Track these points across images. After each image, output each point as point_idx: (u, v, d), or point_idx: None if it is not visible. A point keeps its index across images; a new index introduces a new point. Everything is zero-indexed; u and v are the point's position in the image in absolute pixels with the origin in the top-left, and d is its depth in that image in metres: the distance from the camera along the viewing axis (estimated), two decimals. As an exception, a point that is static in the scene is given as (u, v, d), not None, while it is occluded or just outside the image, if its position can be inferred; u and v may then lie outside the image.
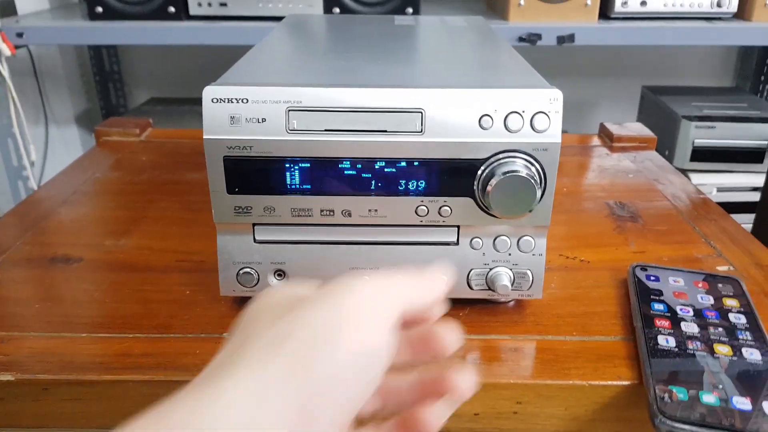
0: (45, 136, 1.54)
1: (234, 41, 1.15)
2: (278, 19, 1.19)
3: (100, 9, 1.16)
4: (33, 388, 0.39)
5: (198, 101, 1.44)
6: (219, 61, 1.58)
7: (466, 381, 0.26)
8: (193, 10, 1.18)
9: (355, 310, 0.23)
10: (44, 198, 0.63)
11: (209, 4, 1.16)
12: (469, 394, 0.26)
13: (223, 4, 1.16)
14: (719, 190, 1.27)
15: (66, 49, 1.58)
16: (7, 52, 1.12)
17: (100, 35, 1.17)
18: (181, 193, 0.64)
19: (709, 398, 0.34)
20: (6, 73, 1.16)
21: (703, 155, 1.26)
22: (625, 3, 1.21)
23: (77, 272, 0.50)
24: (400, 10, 1.16)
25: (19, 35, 1.15)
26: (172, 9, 1.16)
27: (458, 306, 0.44)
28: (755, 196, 1.25)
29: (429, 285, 0.26)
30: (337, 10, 1.16)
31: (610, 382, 0.38)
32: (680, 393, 0.34)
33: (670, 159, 1.31)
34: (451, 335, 0.26)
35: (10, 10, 1.29)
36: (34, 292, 0.47)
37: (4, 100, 1.20)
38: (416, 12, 1.17)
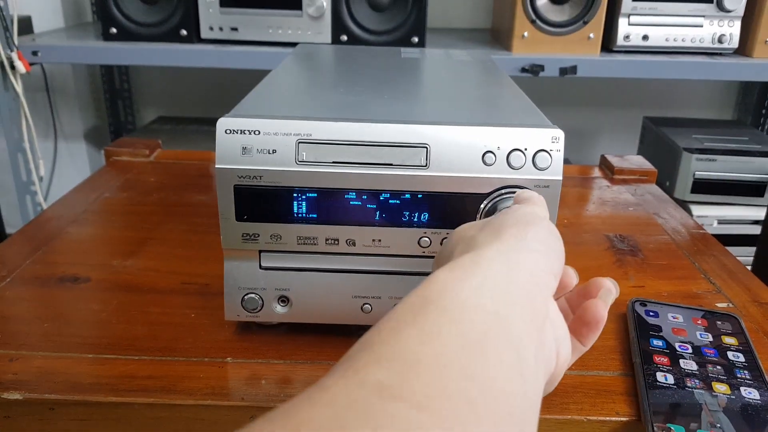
0: (54, 151, 1.56)
1: (244, 65, 1.18)
2: (287, 44, 1.21)
3: (114, 30, 1.18)
4: (40, 408, 0.39)
5: (205, 121, 1.46)
6: (227, 83, 1.61)
7: (608, 281, 0.35)
8: (205, 33, 1.20)
9: (534, 214, 0.33)
10: (54, 217, 0.64)
11: (221, 29, 1.18)
12: (616, 290, 0.35)
13: (234, 29, 1.18)
14: (720, 222, 1.27)
15: (78, 66, 1.61)
16: (22, 69, 1.14)
17: (114, 56, 1.19)
18: (187, 214, 0.65)
19: (706, 437, 0.35)
20: (20, 90, 1.18)
21: (704, 187, 1.27)
22: (628, 37, 1.24)
23: (85, 292, 0.51)
24: (406, 39, 1.19)
25: (35, 53, 1.17)
26: (184, 32, 1.18)
27: (459, 336, 0.45)
28: (756, 230, 1.26)
29: None
30: (344, 37, 1.18)
31: (608, 418, 0.38)
32: (678, 431, 0.35)
33: (670, 190, 1.32)
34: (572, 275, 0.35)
35: (27, 28, 1.32)
36: (43, 311, 0.48)
37: (16, 115, 1.22)
38: (421, 41, 1.20)
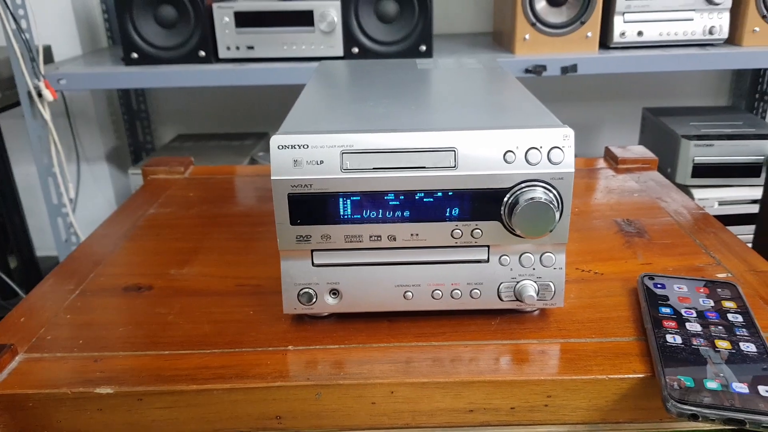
0: (77, 173, 1.63)
1: (261, 82, 1.23)
2: (302, 60, 1.27)
3: (135, 55, 1.24)
4: (129, 399, 0.44)
5: (224, 136, 1.53)
6: (241, 99, 1.68)
7: None
8: (222, 53, 1.26)
9: None
10: (106, 234, 0.70)
11: (237, 48, 1.24)
12: None
13: (251, 48, 1.24)
14: (720, 203, 1.33)
15: (96, 90, 1.68)
16: (50, 97, 1.21)
17: (136, 80, 1.25)
18: (229, 224, 0.71)
19: (712, 384, 0.40)
20: (48, 117, 1.24)
21: (704, 171, 1.33)
22: (623, 34, 1.29)
23: (150, 299, 0.56)
24: (415, 48, 1.24)
25: (60, 81, 1.23)
26: (202, 53, 1.24)
27: (490, 316, 0.51)
28: (755, 208, 1.31)
29: None
30: (356, 50, 1.24)
31: (627, 376, 0.43)
32: (687, 381, 0.40)
33: (672, 176, 1.37)
34: None
35: (48, 58, 1.38)
36: (115, 317, 0.53)
37: (45, 142, 1.28)
38: (429, 49, 1.25)
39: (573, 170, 0.45)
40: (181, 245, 0.66)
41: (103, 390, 0.44)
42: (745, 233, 1.27)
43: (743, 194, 1.33)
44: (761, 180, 1.31)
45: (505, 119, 0.50)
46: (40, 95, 1.23)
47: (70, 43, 1.56)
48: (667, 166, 1.39)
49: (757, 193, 1.31)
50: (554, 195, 0.45)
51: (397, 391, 0.44)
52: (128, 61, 1.25)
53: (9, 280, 1.42)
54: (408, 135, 0.45)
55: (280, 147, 0.45)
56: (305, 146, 0.45)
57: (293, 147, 0.45)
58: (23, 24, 1.21)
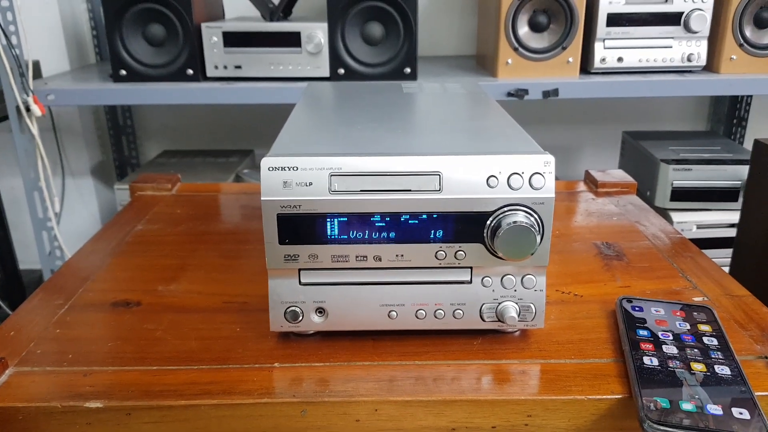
0: (62, 187, 1.62)
1: (248, 100, 1.25)
2: (288, 79, 1.29)
3: (124, 72, 1.25)
4: (118, 414, 0.45)
5: (210, 153, 1.54)
6: (226, 116, 1.69)
7: None
8: (210, 72, 1.28)
9: None
10: (94, 250, 0.71)
11: (225, 67, 1.26)
12: None
13: (238, 67, 1.26)
14: (699, 227, 1.36)
15: (84, 105, 1.68)
16: (38, 112, 1.21)
17: (125, 96, 1.26)
18: (216, 242, 0.72)
19: (687, 406, 0.41)
20: (35, 132, 1.24)
21: (682, 195, 1.36)
22: (604, 59, 1.33)
23: (138, 314, 0.57)
24: (399, 70, 1.27)
25: (48, 96, 1.24)
26: (190, 71, 1.26)
27: (472, 336, 0.52)
28: (732, 232, 1.34)
29: None
30: (342, 71, 1.26)
31: (605, 396, 0.45)
32: (663, 402, 0.42)
33: (651, 199, 1.40)
34: None
35: (37, 73, 1.39)
36: (104, 332, 0.54)
37: (32, 157, 1.28)
38: (413, 71, 1.28)
39: (553, 195, 0.46)
40: (168, 262, 0.67)
41: (92, 404, 0.45)
42: (723, 257, 1.30)
43: (721, 218, 1.36)
44: (738, 204, 1.35)
45: (488, 145, 0.52)
46: (28, 110, 1.23)
47: (59, 59, 1.56)
48: (646, 190, 1.42)
49: (735, 217, 1.35)
50: (535, 219, 0.46)
51: (381, 409, 0.45)
52: (116, 78, 1.26)
53: (-10, 293, 1.41)
54: (394, 159, 0.46)
55: (271, 168, 0.46)
56: (295, 168, 0.46)
57: (283, 169, 0.46)
58: (13, 40, 1.21)
